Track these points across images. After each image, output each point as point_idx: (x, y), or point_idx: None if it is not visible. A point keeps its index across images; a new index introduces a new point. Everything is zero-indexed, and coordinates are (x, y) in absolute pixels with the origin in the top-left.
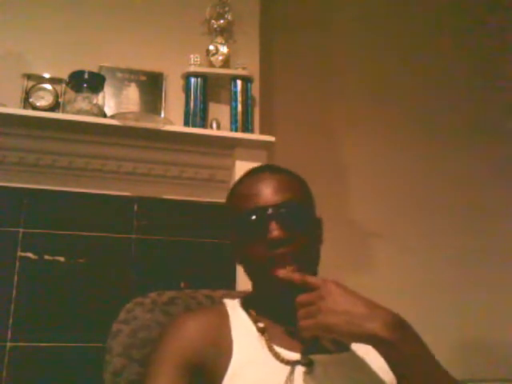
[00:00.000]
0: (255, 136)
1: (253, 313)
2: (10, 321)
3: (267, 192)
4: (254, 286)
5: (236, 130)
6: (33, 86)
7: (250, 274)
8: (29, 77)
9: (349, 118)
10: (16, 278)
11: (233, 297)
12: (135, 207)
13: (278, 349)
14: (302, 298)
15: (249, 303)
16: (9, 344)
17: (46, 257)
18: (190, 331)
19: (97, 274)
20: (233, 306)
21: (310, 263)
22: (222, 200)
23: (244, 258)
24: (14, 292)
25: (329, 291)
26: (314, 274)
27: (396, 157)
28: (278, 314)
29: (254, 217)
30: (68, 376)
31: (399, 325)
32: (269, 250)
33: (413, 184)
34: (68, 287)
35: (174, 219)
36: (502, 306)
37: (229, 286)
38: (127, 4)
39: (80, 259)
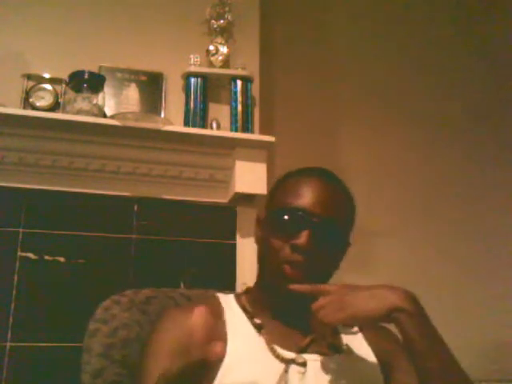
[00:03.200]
0: (255, 136)
1: (249, 309)
2: (10, 321)
3: (316, 199)
4: (260, 276)
5: (236, 130)
6: (33, 86)
7: (262, 262)
8: (29, 77)
9: (349, 117)
10: (16, 277)
11: (209, 295)
12: (135, 207)
13: (275, 346)
14: (320, 303)
15: (244, 299)
16: (9, 344)
17: (46, 257)
18: (183, 325)
19: (97, 274)
20: (227, 301)
21: (318, 277)
22: (222, 200)
23: (264, 246)
24: (14, 292)
25: (344, 289)
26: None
27: (396, 157)
28: (275, 310)
29: (292, 216)
30: (68, 376)
31: (415, 299)
32: (290, 251)
33: (413, 184)
34: (68, 287)
35: (174, 219)
36: (503, 306)
37: (229, 286)
38: (127, 4)
39: (80, 259)
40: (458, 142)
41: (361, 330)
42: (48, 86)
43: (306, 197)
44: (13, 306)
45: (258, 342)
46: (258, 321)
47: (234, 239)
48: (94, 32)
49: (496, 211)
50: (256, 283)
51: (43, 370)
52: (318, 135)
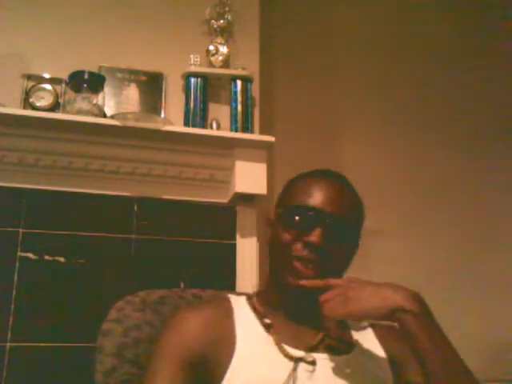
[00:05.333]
0: (255, 136)
1: (259, 309)
2: (10, 321)
3: (327, 199)
4: (271, 273)
5: (236, 130)
6: (33, 86)
7: (272, 258)
8: (29, 77)
9: (349, 118)
10: (16, 277)
11: (220, 296)
12: (135, 207)
13: (284, 345)
14: (326, 295)
15: (255, 300)
16: (9, 344)
17: (46, 257)
18: (192, 326)
19: (97, 274)
20: (238, 302)
21: (329, 275)
22: (222, 200)
23: (275, 242)
24: (14, 292)
25: (351, 284)
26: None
27: (396, 157)
28: (285, 309)
29: (305, 214)
30: (68, 376)
31: (420, 299)
32: (301, 248)
33: (414, 184)
34: (68, 287)
35: (174, 219)
36: (503, 306)
37: (229, 286)
38: (127, 4)
39: (80, 259)
40: (460, 142)
41: (372, 327)
42: (48, 86)
43: (318, 196)
44: (13, 306)
45: (266, 341)
46: (267, 320)
47: (234, 239)
48: (94, 32)
49: (497, 211)
50: (267, 283)
51: (43, 370)
52: (317, 135)
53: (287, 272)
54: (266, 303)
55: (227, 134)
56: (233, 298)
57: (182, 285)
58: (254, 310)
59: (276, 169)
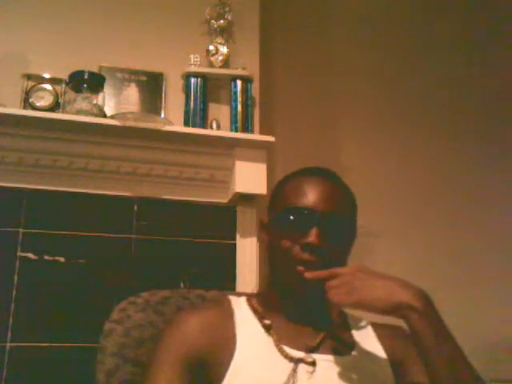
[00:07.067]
0: (255, 136)
1: (259, 310)
2: (10, 321)
3: (318, 196)
4: (271, 278)
5: (236, 130)
6: (33, 86)
7: (273, 264)
8: (29, 77)
9: (349, 117)
10: (16, 278)
11: (234, 295)
12: (135, 207)
13: (282, 346)
14: (333, 282)
15: (255, 301)
16: (9, 344)
17: (46, 257)
18: (191, 328)
19: (97, 274)
20: (238, 303)
21: None
22: (222, 200)
23: (274, 248)
24: (14, 292)
25: (359, 273)
26: None
27: (396, 157)
28: (286, 311)
29: (298, 215)
30: (68, 376)
31: (427, 298)
32: (301, 250)
33: (413, 184)
34: (68, 287)
35: (174, 219)
36: (504, 306)
37: (229, 286)
38: (127, 4)
39: (80, 259)
40: (460, 142)
41: (373, 326)
42: (48, 86)
43: (308, 195)
44: (13, 306)
45: (266, 342)
46: (267, 321)
47: (234, 239)
48: (94, 32)
49: (497, 211)
50: (267, 284)
51: (43, 370)
52: (318, 135)
53: (290, 277)
54: (266, 304)
55: (227, 133)
56: (233, 299)
57: (182, 285)
58: (254, 310)
59: (276, 169)
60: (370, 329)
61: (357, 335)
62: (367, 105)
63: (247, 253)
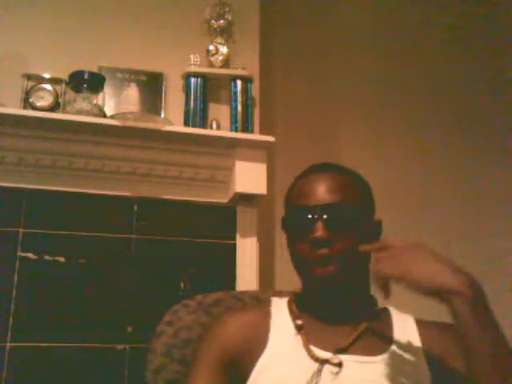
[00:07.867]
0: (255, 136)
1: (295, 310)
2: (10, 321)
3: (318, 191)
4: (301, 281)
5: (236, 130)
6: (33, 86)
7: (296, 269)
8: (29, 77)
9: (349, 117)
10: (16, 277)
11: (282, 295)
12: (135, 207)
13: (311, 346)
14: (380, 255)
15: (294, 301)
16: (9, 344)
17: (46, 257)
18: (228, 329)
19: (97, 274)
20: (278, 305)
21: (353, 264)
22: (222, 200)
23: (291, 254)
24: (14, 292)
25: (411, 247)
26: (359, 274)
27: (396, 157)
28: (318, 311)
29: (301, 215)
30: (68, 376)
31: (478, 286)
32: (312, 249)
33: (414, 184)
34: (68, 287)
35: (174, 219)
36: (504, 306)
37: (229, 286)
38: (127, 4)
39: (80, 259)
40: (459, 142)
41: (417, 322)
42: (48, 86)
43: (309, 192)
44: (13, 306)
45: (295, 342)
46: (299, 322)
47: (234, 239)
48: (94, 32)
49: (496, 212)
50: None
51: (43, 370)
52: (318, 135)
53: (310, 280)
54: (302, 304)
55: (227, 133)
56: (274, 300)
57: (182, 285)
58: (291, 311)
59: (276, 169)
60: (413, 326)
61: (398, 333)
62: (367, 105)
63: (247, 253)
